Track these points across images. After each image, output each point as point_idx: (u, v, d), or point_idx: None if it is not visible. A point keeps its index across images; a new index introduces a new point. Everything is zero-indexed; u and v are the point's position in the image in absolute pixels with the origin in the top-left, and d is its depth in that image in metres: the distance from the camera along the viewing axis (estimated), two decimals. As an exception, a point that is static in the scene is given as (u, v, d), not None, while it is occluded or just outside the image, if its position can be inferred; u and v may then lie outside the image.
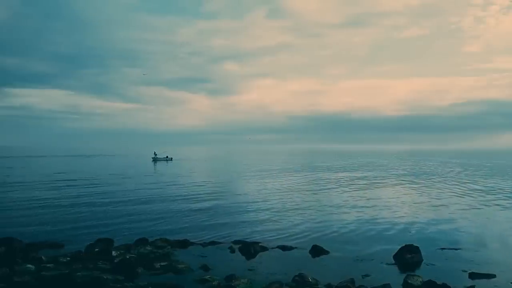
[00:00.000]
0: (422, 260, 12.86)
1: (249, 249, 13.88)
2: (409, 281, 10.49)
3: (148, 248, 13.98)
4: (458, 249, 14.47)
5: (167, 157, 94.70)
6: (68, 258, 12.26)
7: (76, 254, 12.75)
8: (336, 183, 40.27)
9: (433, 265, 12.51)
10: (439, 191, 33.12)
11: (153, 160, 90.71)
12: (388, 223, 19.33)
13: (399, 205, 25.24)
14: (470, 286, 10.44)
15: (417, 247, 13.23)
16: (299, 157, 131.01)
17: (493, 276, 11.23)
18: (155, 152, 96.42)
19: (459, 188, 35.00)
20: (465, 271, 11.72)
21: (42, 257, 12.30)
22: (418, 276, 10.83)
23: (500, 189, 34.69)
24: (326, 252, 13.81)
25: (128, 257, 12.46)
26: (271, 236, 16.34)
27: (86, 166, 69.78)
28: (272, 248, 14.42)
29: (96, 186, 35.17)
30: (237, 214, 21.72)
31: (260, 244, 14.51)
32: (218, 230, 17.51)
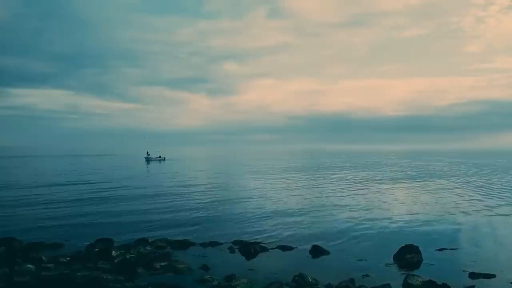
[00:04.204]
0: (422, 260, 12.85)
1: (249, 249, 13.87)
2: (409, 281, 10.48)
3: (148, 248, 13.98)
4: (458, 249, 14.46)
5: (160, 157, 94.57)
6: (68, 258, 12.27)
7: (76, 254, 12.76)
8: (336, 183, 40.26)
9: (433, 265, 12.50)
10: (440, 191, 33.12)
11: (146, 160, 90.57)
12: (389, 223, 19.32)
13: (400, 205, 25.23)
14: (470, 286, 10.44)
15: (417, 247, 13.23)
16: (299, 157, 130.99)
17: (493, 276, 11.21)
18: (148, 152, 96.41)
19: (460, 188, 34.99)
20: (465, 271, 11.71)
21: (42, 257, 12.29)
22: (418, 276, 10.83)
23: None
24: (326, 252, 13.81)
25: (128, 257, 12.46)
26: (271, 236, 16.34)
27: (86, 166, 69.77)
28: (272, 248, 14.41)
29: (96, 186, 35.17)
30: (237, 214, 21.71)
31: (260, 244, 14.51)
32: (218, 230, 17.51)
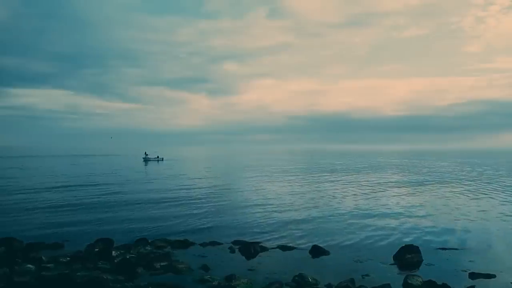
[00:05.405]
0: (422, 260, 12.86)
1: (249, 249, 13.87)
2: (409, 281, 10.48)
3: (148, 248, 13.99)
4: (458, 249, 14.46)
5: (158, 157, 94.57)
6: (68, 258, 12.27)
7: (76, 254, 12.75)
8: (336, 183, 40.26)
9: (433, 265, 12.51)
10: (439, 191, 33.12)
11: (144, 161, 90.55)
12: (389, 223, 19.33)
13: (400, 205, 25.23)
14: (470, 286, 10.44)
15: (417, 247, 13.25)
16: (299, 157, 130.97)
17: (493, 276, 11.23)
18: (146, 153, 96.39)
19: (460, 188, 34.98)
20: (465, 271, 11.72)
21: (42, 257, 12.30)
22: (418, 276, 10.84)
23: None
24: (326, 252, 13.81)
25: (128, 257, 12.47)
26: (271, 236, 16.35)
27: (85, 166, 69.75)
28: (272, 248, 14.42)
29: (96, 186, 35.16)
30: (237, 214, 21.72)
31: (260, 244, 14.51)
32: (218, 230, 17.51)
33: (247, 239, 15.55)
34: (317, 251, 13.85)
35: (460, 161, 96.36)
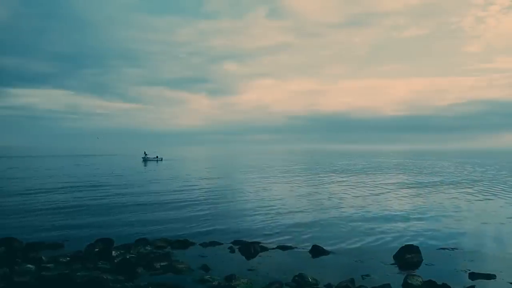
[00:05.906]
0: (422, 260, 12.87)
1: (249, 249, 13.87)
2: (409, 281, 10.49)
3: (148, 248, 13.99)
4: (458, 249, 14.47)
5: (157, 157, 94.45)
6: (68, 258, 12.27)
7: (76, 254, 12.75)
8: (336, 183, 40.25)
9: (433, 265, 12.51)
10: (437, 191, 33.11)
11: (143, 160, 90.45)
12: (389, 223, 19.33)
13: (400, 205, 25.23)
14: (470, 286, 10.44)
15: (417, 247, 13.26)
16: (299, 157, 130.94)
17: (493, 276, 11.23)
18: (145, 152, 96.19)
19: (461, 188, 34.97)
20: (465, 271, 11.73)
21: (42, 257, 12.29)
22: (418, 276, 10.83)
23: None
24: (326, 252, 13.82)
25: (128, 257, 12.47)
26: (271, 236, 16.34)
27: (85, 166, 69.73)
28: (272, 248, 14.42)
29: (95, 186, 35.15)
30: (237, 214, 21.71)
31: (260, 244, 14.51)
32: (218, 230, 17.51)
33: (247, 239, 15.54)
34: (317, 251, 13.86)
35: (460, 161, 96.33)
